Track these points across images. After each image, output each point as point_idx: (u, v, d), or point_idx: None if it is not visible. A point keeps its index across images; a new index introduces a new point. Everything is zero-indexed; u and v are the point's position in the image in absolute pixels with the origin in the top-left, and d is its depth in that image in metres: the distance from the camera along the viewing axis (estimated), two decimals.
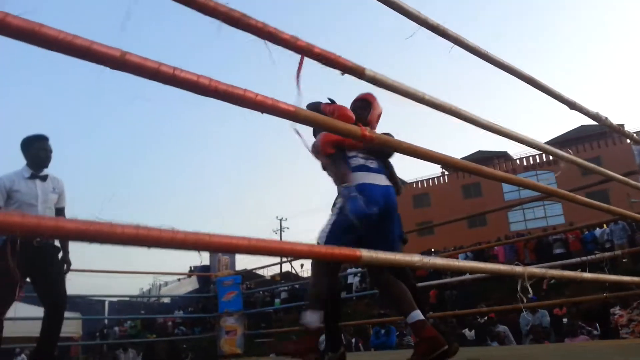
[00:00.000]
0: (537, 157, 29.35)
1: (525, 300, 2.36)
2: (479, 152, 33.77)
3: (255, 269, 15.14)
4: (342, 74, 1.48)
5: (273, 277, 28.41)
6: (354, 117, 2.57)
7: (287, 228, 37.06)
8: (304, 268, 30.11)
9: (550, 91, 2.33)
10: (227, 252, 1.18)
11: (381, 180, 2.61)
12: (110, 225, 0.97)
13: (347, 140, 2.52)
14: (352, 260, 1.39)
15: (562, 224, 24.60)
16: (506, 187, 29.90)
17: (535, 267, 2.01)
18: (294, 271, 29.57)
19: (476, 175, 1.85)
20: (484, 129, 1.91)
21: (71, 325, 8.40)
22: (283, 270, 28.52)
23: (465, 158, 35.50)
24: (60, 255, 3.29)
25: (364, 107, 2.80)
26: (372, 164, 2.65)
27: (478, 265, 1.74)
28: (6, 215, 0.85)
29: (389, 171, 2.74)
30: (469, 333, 9.75)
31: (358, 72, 1.50)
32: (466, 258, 15.35)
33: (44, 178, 3.26)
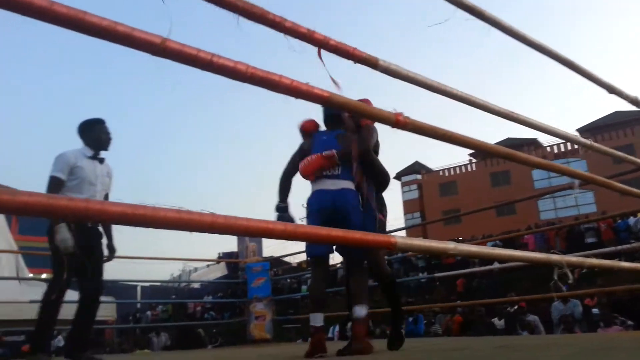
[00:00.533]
0: (568, 145, 28.61)
1: (562, 289, 2.33)
2: (508, 139, 33.09)
3: (282, 256, 15.28)
4: (354, 63, 1.48)
5: (299, 264, 28.59)
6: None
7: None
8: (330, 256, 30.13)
9: (589, 74, 2.26)
10: (264, 237, 1.19)
11: (333, 185, 2.86)
12: (153, 209, 0.99)
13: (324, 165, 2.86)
14: (387, 247, 1.39)
15: (593, 212, 24.00)
16: (536, 174, 29.30)
17: (572, 256, 1.97)
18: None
19: (511, 161, 1.81)
20: (503, 117, 1.87)
21: (106, 309, 8.65)
22: None
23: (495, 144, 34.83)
24: (103, 241, 3.35)
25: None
26: (332, 171, 2.89)
27: (513, 253, 1.71)
28: (54, 198, 0.88)
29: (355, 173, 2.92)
30: (499, 322, 9.65)
31: (372, 63, 1.49)
32: (495, 247, 15.16)
33: (102, 160, 3.32)
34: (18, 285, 8.67)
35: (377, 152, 3.06)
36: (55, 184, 2.99)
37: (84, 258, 3.00)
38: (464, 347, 2.74)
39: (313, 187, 2.94)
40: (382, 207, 2.98)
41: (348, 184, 2.89)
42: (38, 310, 3.04)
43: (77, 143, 3.31)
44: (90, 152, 3.26)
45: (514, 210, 27.59)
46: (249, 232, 1.13)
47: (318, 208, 2.88)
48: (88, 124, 3.30)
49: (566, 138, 2.18)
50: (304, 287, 20.15)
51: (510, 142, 32.29)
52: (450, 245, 1.53)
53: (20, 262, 9.72)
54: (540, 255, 1.80)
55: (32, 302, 6.62)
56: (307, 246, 3.01)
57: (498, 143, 30.68)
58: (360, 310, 2.75)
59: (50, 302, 3.02)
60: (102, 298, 3.47)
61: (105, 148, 3.34)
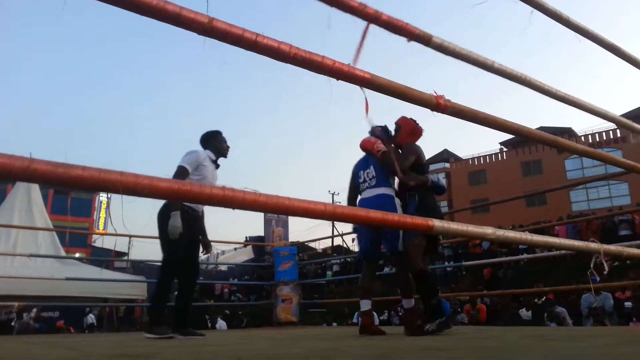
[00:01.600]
0: (604, 134, 27.76)
1: (598, 279, 2.28)
2: (541, 128, 32.35)
3: (307, 241, 15.36)
4: (408, 41, 1.46)
5: (325, 250, 28.77)
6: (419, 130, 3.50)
7: (339, 202, 37.24)
8: (354, 242, 30.23)
9: (635, 60, 2.19)
10: (305, 216, 1.20)
11: (372, 192, 3.37)
12: (200, 187, 1.02)
13: None
14: (425, 229, 1.38)
15: (627, 204, 23.30)
16: (569, 165, 28.57)
17: (611, 245, 1.92)
18: (345, 245, 29.82)
19: (553, 147, 1.77)
20: (556, 99, 1.83)
21: (137, 288, 8.88)
22: (335, 244, 28.83)
23: None
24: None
25: (396, 130, 3.54)
26: (371, 182, 3.40)
27: (552, 240, 1.69)
28: (106, 172, 0.91)
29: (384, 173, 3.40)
30: (526, 313, 9.55)
31: (425, 40, 1.46)
32: None
33: (218, 167, 3.69)
34: (54, 263, 8.99)
35: (422, 167, 3.41)
36: (181, 172, 3.30)
37: (190, 244, 3.41)
38: (497, 335, 2.72)
39: (358, 199, 3.47)
40: (428, 212, 3.11)
41: (386, 190, 3.34)
42: (155, 289, 3.45)
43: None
44: (213, 157, 3.65)
45: (544, 200, 27.02)
46: (290, 211, 1.15)
47: None
48: (211, 134, 3.71)
49: (618, 122, 2.12)
50: (328, 273, 20.30)
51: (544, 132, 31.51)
52: (489, 230, 1.51)
53: (56, 240, 10.06)
54: (578, 243, 1.77)
55: (67, 279, 6.89)
56: (361, 249, 3.49)
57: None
58: (408, 303, 3.35)
59: (163, 284, 3.42)
60: (134, 277, 3.71)
61: (225, 156, 3.74)
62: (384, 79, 1.36)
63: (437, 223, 1.40)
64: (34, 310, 10.95)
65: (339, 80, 1.30)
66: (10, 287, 7.04)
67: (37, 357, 1.75)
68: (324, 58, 1.22)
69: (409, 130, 3.49)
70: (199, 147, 3.68)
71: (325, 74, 1.25)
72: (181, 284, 3.55)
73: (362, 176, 3.46)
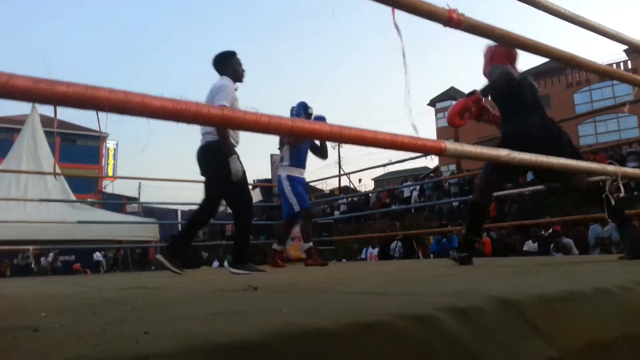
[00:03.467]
0: (614, 65, 26.98)
1: (612, 202, 2.23)
2: (551, 61, 31.43)
3: (314, 181, 15.42)
4: None
5: (332, 190, 28.96)
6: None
7: None
8: (361, 182, 30.40)
9: None
10: (310, 137, 1.14)
11: None
12: (196, 105, 0.95)
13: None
14: (436, 152, 1.32)
15: (636, 137, 23.00)
16: (578, 99, 27.97)
17: (628, 168, 1.86)
18: (352, 185, 29.99)
19: (570, 65, 1.66)
20: (563, 18, 1.70)
21: (150, 231, 9.03)
22: (342, 184, 28.99)
23: (536, 67, 33.24)
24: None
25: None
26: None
27: (569, 163, 1.62)
28: (93, 88, 0.84)
29: None
30: (532, 245, 9.64)
31: None
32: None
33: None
34: (66, 208, 9.10)
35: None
36: None
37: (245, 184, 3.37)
38: (508, 264, 2.73)
39: None
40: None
41: None
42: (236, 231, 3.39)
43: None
44: (235, 85, 3.37)
45: None
46: (294, 131, 1.08)
47: None
48: (226, 56, 3.41)
49: (632, 44, 1.99)
50: (336, 212, 20.54)
51: (554, 65, 30.70)
52: (503, 152, 1.45)
53: (66, 186, 10.13)
54: (595, 165, 1.71)
55: (79, 222, 6.99)
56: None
57: (541, 65, 29.17)
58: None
59: (247, 221, 3.37)
60: (147, 219, 3.67)
61: (241, 80, 3.43)
62: None
63: (449, 145, 1.33)
64: (51, 254, 11.23)
65: None
66: (25, 232, 7.15)
67: (49, 293, 1.76)
68: None
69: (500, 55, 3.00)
70: (215, 74, 3.41)
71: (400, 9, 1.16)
72: (239, 220, 3.43)
73: None
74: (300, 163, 4.45)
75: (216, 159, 3.14)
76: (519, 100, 2.83)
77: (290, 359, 0.49)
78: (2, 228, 6.91)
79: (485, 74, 3.03)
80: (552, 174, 2.90)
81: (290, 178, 4.36)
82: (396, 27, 1.37)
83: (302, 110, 4.24)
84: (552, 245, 8.78)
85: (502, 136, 3.00)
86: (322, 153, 4.49)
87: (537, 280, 1.42)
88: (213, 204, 3.52)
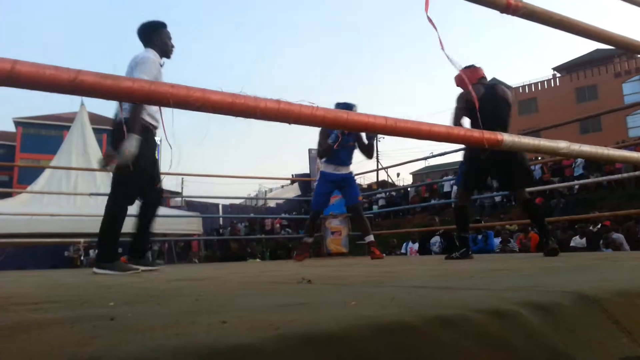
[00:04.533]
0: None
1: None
2: (597, 50, 30.18)
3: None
4: None
5: (370, 185, 28.80)
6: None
7: None
8: (399, 177, 30.07)
9: None
10: (364, 130, 1.13)
11: None
12: (255, 99, 0.95)
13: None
14: (493, 144, 1.28)
15: None
16: (627, 88, 26.78)
17: None
18: (390, 180, 29.73)
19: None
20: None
21: (193, 224, 9.24)
22: (380, 178, 28.78)
23: (582, 57, 31.90)
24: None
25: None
26: None
27: (630, 155, 1.55)
28: (157, 84, 0.85)
29: None
30: (579, 240, 9.31)
31: None
32: (579, 165, 14.37)
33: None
34: None
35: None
36: None
37: (151, 169, 3.05)
38: (559, 259, 2.64)
39: None
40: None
41: None
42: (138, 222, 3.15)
43: None
44: (159, 59, 3.01)
45: (599, 127, 25.69)
46: (349, 124, 1.07)
47: None
48: (154, 27, 3.03)
49: None
50: (374, 207, 20.41)
51: (600, 55, 29.49)
52: (562, 144, 1.39)
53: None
54: None
55: (128, 215, 7.22)
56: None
57: (586, 54, 28.03)
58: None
59: (116, 215, 2.96)
60: (189, 213, 3.64)
61: (169, 56, 3.09)
62: None
63: (506, 137, 1.29)
64: None
65: None
66: (75, 226, 7.43)
67: (106, 283, 1.83)
68: None
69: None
70: (140, 46, 3.00)
71: None
72: (144, 210, 3.21)
73: None
74: (335, 159, 4.40)
75: (121, 138, 2.74)
76: (475, 117, 3.08)
77: (373, 352, 0.48)
78: (54, 221, 7.23)
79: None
80: (508, 184, 3.62)
81: (321, 174, 4.51)
82: (429, 19, 1.35)
83: (335, 139, 4.10)
84: (601, 241, 8.46)
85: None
86: (368, 152, 4.46)
87: (605, 275, 1.36)
88: (145, 189, 3.10)
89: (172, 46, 3.10)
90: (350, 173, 4.59)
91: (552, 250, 2.95)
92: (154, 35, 3.01)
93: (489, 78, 3.71)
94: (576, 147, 1.40)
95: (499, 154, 3.23)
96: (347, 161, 4.52)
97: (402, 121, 1.15)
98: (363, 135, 4.32)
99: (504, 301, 0.65)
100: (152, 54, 2.93)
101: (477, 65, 3.62)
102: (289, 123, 1.01)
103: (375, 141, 4.52)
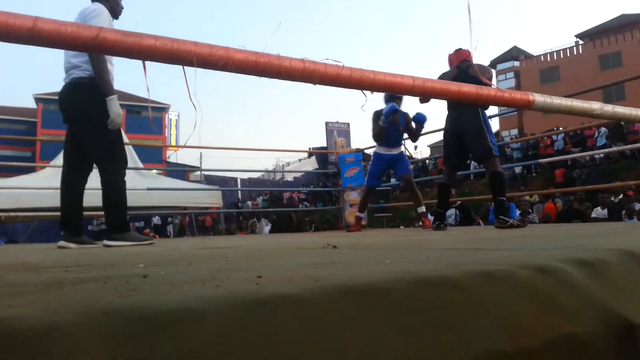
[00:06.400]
0: (566, 51, 24.66)
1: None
2: (623, 15, 29.11)
3: (368, 148, 15.24)
4: None
5: None
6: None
7: None
8: (417, 150, 29.74)
9: None
10: (391, 91, 1.09)
11: None
12: (278, 58, 0.92)
13: None
14: (525, 106, 1.24)
15: None
16: None
17: None
18: (407, 153, 29.47)
19: None
20: None
21: (212, 197, 9.32)
22: None
23: (605, 24, 30.83)
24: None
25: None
26: None
27: None
28: (180, 42, 0.83)
29: None
30: (601, 211, 9.16)
31: None
32: (602, 134, 14.05)
33: None
34: (135, 176, 9.53)
35: None
36: None
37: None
38: (587, 227, 2.59)
39: None
40: None
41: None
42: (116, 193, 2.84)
43: None
44: (112, 19, 2.81)
45: (623, 96, 24.97)
46: (376, 85, 1.04)
47: None
48: None
49: None
50: (392, 180, 20.33)
51: (625, 20, 28.43)
52: (595, 105, 1.34)
53: (134, 155, 10.59)
54: None
55: (149, 189, 7.31)
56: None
57: (610, 20, 27.13)
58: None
59: (122, 183, 2.86)
60: (209, 186, 3.52)
61: (117, 17, 2.90)
62: None
63: (538, 97, 1.25)
64: None
65: None
66: (97, 200, 7.55)
67: (133, 252, 1.85)
68: None
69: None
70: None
71: None
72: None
73: None
74: (387, 141, 4.76)
75: (90, 100, 2.60)
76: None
77: (415, 305, 0.46)
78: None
79: None
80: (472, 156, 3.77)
81: (375, 155, 4.91)
82: None
83: (390, 112, 4.46)
84: (623, 212, 8.31)
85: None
86: (414, 136, 4.91)
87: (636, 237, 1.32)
88: (86, 163, 2.91)
89: (122, 7, 2.92)
90: (401, 153, 4.94)
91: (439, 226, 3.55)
92: None
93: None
94: (609, 108, 1.35)
95: (461, 123, 3.57)
96: (398, 142, 4.91)
97: (430, 81, 1.12)
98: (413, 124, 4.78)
99: (547, 258, 0.62)
100: (103, 8, 2.71)
101: (463, 48, 3.83)
102: (314, 83, 0.98)
103: (420, 130, 4.86)
